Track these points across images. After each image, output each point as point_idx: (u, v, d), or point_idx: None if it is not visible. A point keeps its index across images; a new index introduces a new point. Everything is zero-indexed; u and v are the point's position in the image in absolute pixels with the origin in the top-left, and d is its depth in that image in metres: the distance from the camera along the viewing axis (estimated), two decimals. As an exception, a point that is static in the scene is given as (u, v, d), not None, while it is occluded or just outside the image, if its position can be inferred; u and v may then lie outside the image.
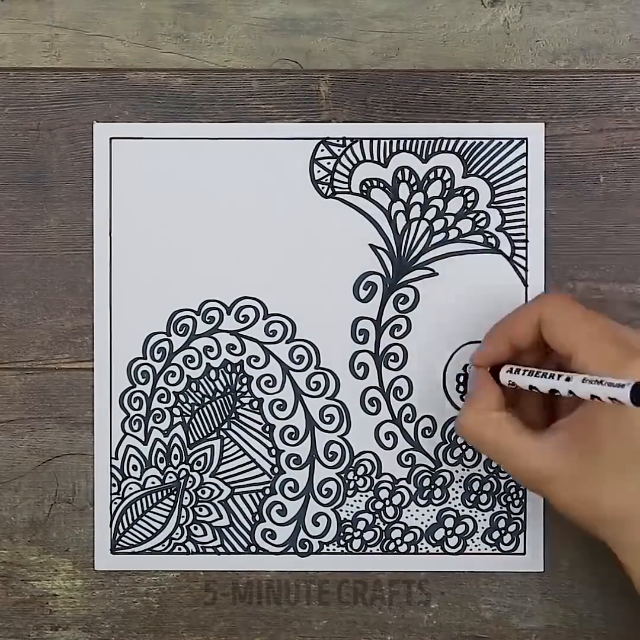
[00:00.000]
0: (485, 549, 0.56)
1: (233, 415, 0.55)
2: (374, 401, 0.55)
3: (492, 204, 0.55)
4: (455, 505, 0.55)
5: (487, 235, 0.55)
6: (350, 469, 0.55)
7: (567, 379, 0.47)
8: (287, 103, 0.55)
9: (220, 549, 0.55)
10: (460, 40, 0.55)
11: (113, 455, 0.55)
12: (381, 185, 0.55)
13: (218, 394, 0.55)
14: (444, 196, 0.55)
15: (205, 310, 0.55)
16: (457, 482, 0.55)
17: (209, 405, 0.55)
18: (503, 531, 0.56)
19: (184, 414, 0.55)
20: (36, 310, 0.55)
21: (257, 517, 0.55)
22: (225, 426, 0.55)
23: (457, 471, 0.55)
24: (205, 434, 0.55)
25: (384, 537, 0.55)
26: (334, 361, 0.55)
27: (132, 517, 0.55)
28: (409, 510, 0.55)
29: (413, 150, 0.55)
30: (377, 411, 0.55)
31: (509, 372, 0.51)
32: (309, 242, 0.55)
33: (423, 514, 0.55)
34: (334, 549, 0.55)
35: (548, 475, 0.48)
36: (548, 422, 0.51)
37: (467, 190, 0.55)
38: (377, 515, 0.56)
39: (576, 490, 0.48)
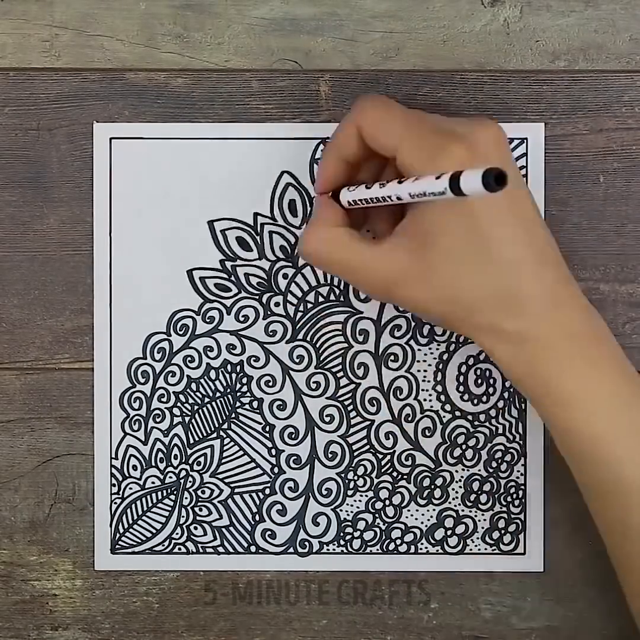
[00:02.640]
0: (485, 549, 0.56)
1: (233, 415, 0.55)
2: (374, 401, 0.55)
3: (492, 204, 0.55)
4: (455, 505, 0.55)
5: (487, 235, 0.55)
6: (350, 469, 0.55)
7: (396, 182, 0.46)
8: (287, 103, 0.55)
9: (220, 549, 0.55)
10: (460, 40, 0.55)
11: (113, 455, 0.55)
12: (381, 185, 0.55)
13: (218, 394, 0.55)
14: (444, 196, 0.55)
15: (205, 310, 0.55)
16: (457, 482, 0.55)
17: (209, 405, 0.55)
18: (503, 531, 0.56)
19: (184, 414, 0.55)
20: (36, 310, 0.55)
21: (257, 517, 0.55)
22: (225, 426, 0.55)
23: (457, 471, 0.55)
24: (205, 434, 0.55)
25: (383, 537, 0.55)
26: (334, 361, 0.55)
27: (132, 517, 0.55)
28: (408, 510, 0.55)
29: (413, 150, 0.55)
30: (377, 411, 0.55)
31: (347, 190, 0.50)
32: (309, 242, 0.55)
33: (423, 514, 0.55)
34: (334, 549, 0.55)
35: (396, 278, 0.48)
36: None
37: (467, 190, 0.55)
38: (377, 515, 0.56)
39: (428, 288, 0.48)
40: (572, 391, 0.47)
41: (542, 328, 0.47)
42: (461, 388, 0.55)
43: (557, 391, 0.47)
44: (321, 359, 0.55)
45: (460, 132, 0.47)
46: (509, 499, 0.55)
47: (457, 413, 0.55)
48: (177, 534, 0.55)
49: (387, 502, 0.55)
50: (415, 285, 0.48)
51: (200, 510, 0.55)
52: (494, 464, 0.55)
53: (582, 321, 0.48)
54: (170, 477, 0.55)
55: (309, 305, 0.55)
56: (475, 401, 0.55)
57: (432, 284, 0.48)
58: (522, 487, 0.55)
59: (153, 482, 0.55)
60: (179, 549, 0.55)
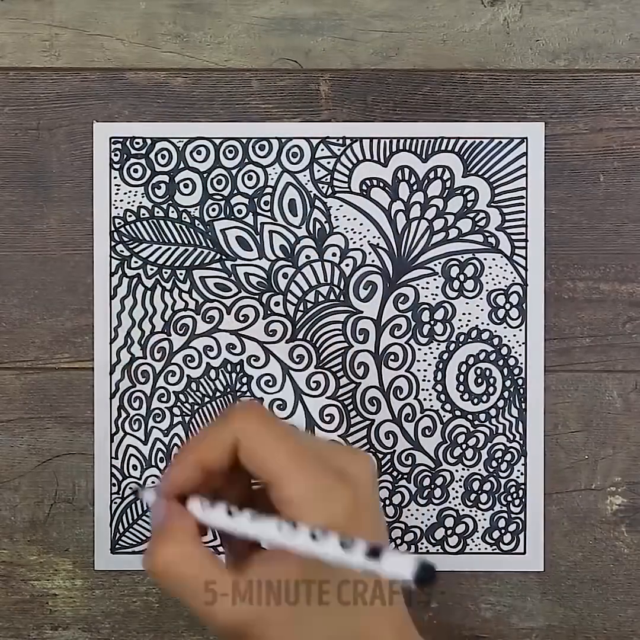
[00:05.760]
0: (485, 548, 0.56)
1: (233, 415, 0.55)
2: (374, 401, 0.55)
3: (492, 204, 0.55)
4: (455, 505, 0.55)
5: (487, 234, 0.55)
6: (350, 468, 0.55)
7: (289, 527, 0.39)
8: (287, 102, 0.55)
9: (220, 549, 0.55)
10: (460, 39, 0.55)
11: (113, 455, 0.55)
12: (381, 184, 0.55)
13: (218, 394, 0.55)
14: (444, 195, 0.55)
15: (205, 310, 0.55)
16: (457, 481, 0.55)
17: (209, 405, 0.55)
18: (503, 531, 0.55)
19: (184, 414, 0.55)
20: (36, 310, 0.55)
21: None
22: (225, 426, 0.55)
23: (457, 471, 0.55)
24: (205, 434, 0.55)
25: (384, 537, 0.55)
26: (334, 361, 0.55)
27: (132, 516, 0.55)
28: (409, 510, 0.55)
29: (413, 149, 0.55)
30: (377, 411, 0.55)
31: (200, 507, 0.41)
32: (309, 242, 0.55)
33: (423, 514, 0.55)
34: (334, 549, 0.55)
35: (254, 620, 0.40)
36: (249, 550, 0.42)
37: (467, 190, 0.55)
38: (377, 514, 0.55)
39: (293, 637, 0.40)
40: None
41: None
42: (461, 388, 0.55)
43: None
44: (321, 358, 0.55)
45: (342, 467, 0.41)
46: (509, 498, 0.55)
47: (457, 412, 0.55)
48: (177, 533, 0.55)
49: (387, 501, 0.55)
50: (276, 631, 0.40)
51: (200, 510, 0.55)
52: (494, 464, 0.55)
53: None
54: (170, 477, 0.55)
55: (309, 305, 0.55)
56: (475, 401, 0.55)
57: (297, 632, 0.40)
58: (522, 486, 0.55)
59: (153, 482, 0.55)
60: (179, 548, 0.55)
